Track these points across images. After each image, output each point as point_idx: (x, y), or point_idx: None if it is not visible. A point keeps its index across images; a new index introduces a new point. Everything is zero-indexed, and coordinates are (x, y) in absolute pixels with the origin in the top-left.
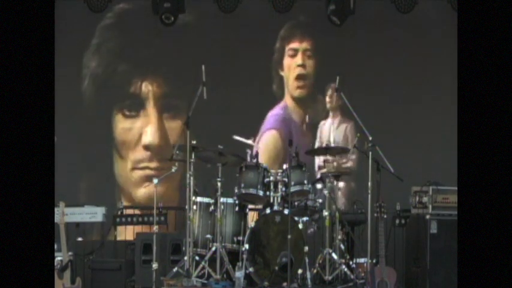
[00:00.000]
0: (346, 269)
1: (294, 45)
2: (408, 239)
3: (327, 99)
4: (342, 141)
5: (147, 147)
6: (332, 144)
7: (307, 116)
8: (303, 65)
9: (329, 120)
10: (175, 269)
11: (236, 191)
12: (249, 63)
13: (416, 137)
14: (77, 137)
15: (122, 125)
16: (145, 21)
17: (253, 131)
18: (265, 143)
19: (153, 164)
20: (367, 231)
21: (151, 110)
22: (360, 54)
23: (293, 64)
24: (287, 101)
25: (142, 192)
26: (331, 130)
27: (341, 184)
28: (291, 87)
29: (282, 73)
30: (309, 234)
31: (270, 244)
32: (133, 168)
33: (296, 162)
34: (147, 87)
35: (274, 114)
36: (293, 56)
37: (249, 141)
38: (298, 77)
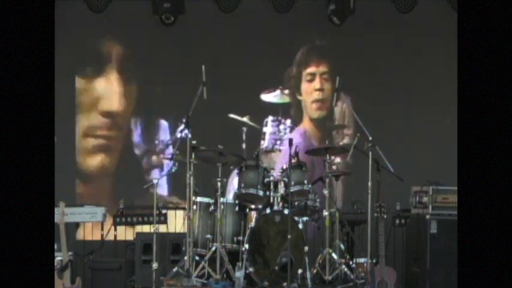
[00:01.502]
0: (346, 269)
1: (311, 69)
2: (408, 239)
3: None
4: (339, 117)
5: (106, 114)
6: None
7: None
8: (321, 89)
9: None
10: (175, 269)
11: (236, 191)
12: (249, 63)
13: (416, 137)
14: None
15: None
16: (146, 21)
17: (252, 130)
18: None
19: (111, 133)
20: (367, 231)
21: (114, 74)
22: (360, 54)
23: (311, 88)
24: (305, 124)
25: (96, 161)
26: None
27: None
28: (310, 109)
29: (299, 97)
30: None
31: (270, 244)
32: (86, 135)
33: (296, 162)
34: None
35: (296, 143)
36: (311, 80)
37: (244, 119)
38: (317, 101)
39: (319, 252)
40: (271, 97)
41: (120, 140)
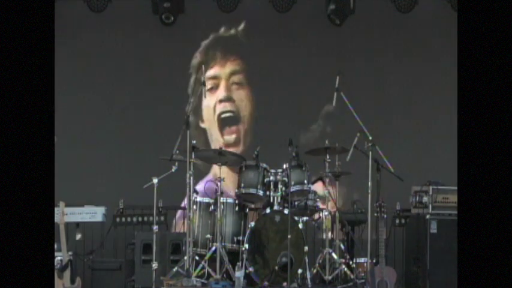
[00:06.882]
0: (346, 269)
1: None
2: (408, 239)
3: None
4: None
5: None
6: None
7: None
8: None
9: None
10: (175, 269)
11: (236, 190)
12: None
13: (416, 137)
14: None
15: None
16: (146, 21)
17: None
18: None
19: None
20: (367, 231)
21: None
22: (360, 54)
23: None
24: None
25: None
26: None
27: None
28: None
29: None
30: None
31: (270, 244)
32: None
33: (296, 162)
34: None
35: None
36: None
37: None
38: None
39: (319, 252)
40: None
41: None
